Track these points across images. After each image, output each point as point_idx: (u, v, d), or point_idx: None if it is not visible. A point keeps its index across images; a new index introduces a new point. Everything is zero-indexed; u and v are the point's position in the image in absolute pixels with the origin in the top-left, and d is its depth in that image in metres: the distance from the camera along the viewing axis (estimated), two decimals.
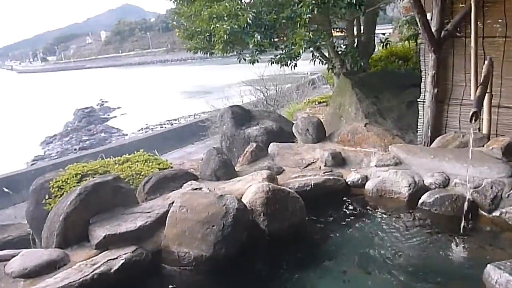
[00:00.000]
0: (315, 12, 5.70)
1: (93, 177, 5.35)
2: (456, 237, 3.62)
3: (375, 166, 4.75)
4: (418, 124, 5.82)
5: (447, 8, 5.26)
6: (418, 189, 4.24)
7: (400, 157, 4.76)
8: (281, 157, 5.22)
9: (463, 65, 5.31)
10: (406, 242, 3.63)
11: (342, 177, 4.67)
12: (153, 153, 7.09)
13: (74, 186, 5.28)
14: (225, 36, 5.93)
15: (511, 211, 3.71)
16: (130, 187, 4.13)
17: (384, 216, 4.18)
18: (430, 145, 5.31)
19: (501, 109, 5.12)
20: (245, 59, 6.68)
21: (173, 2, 8.00)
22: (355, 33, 7.59)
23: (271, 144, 5.53)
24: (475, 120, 3.51)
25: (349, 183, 4.61)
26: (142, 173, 5.38)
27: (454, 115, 5.49)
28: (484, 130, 4.82)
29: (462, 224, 3.66)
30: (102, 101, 46.25)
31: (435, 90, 5.39)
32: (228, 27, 5.84)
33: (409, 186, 4.26)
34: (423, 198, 4.12)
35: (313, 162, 5.07)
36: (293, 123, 7.37)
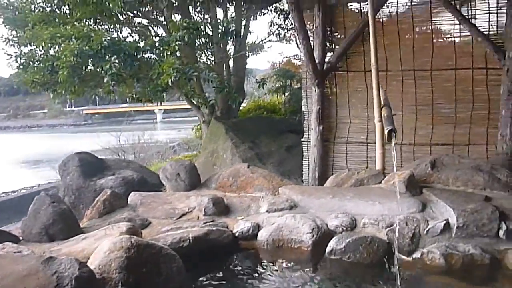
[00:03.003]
0: (186, 39, 4.87)
1: None
2: None
3: (267, 211, 3.84)
4: (303, 166, 5.22)
5: (327, 41, 4.96)
6: (323, 235, 3.41)
7: (294, 199, 3.96)
8: (145, 208, 3.98)
9: (347, 101, 4.96)
10: None
11: (227, 227, 3.63)
12: None
13: None
14: (72, 58, 4.67)
15: (432, 250, 3.09)
16: None
17: (285, 272, 3.23)
18: None
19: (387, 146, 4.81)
20: (97, 95, 5.42)
21: (4, 26, 6.43)
22: (225, 76, 6.98)
23: (132, 194, 4.28)
24: (395, 137, 2.90)
25: (237, 234, 3.57)
26: None
27: (341, 155, 5.03)
28: (378, 166, 4.36)
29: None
30: None
31: (321, 127, 4.89)
32: (77, 47, 4.61)
33: (311, 232, 3.41)
34: (331, 244, 3.29)
35: (188, 212, 3.94)
36: (157, 174, 6.25)
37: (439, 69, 4.53)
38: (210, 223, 3.62)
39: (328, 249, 3.30)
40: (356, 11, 4.95)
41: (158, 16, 7.00)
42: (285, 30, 8.06)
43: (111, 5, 5.86)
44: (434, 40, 4.58)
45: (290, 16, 7.43)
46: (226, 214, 3.92)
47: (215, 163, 6.25)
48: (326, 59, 4.90)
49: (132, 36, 6.78)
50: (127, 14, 6.95)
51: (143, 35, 6.83)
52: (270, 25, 8.08)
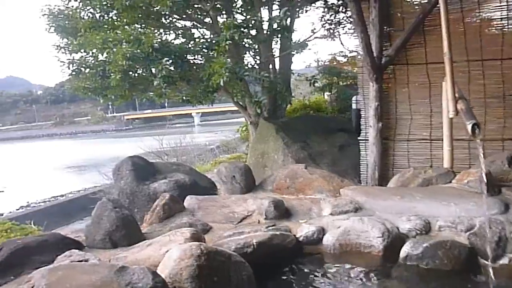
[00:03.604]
0: (236, 38, 4.75)
1: None
2: None
3: (330, 214, 3.65)
4: (361, 165, 4.97)
5: (386, 33, 4.70)
6: (395, 239, 3.18)
7: (359, 201, 3.75)
8: (204, 212, 3.88)
9: (407, 96, 4.68)
10: None
11: (290, 231, 3.46)
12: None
13: None
14: (124, 62, 4.65)
15: None
16: None
17: (356, 278, 3.02)
18: None
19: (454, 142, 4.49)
20: (148, 98, 5.40)
21: (56, 34, 6.54)
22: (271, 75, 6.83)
23: (188, 197, 4.19)
24: (479, 131, 2.64)
25: (300, 238, 3.40)
26: None
27: (402, 153, 4.75)
28: (446, 164, 4.07)
29: None
30: None
31: (380, 124, 4.63)
32: (129, 50, 4.58)
33: (382, 236, 3.18)
34: (406, 249, 3.06)
35: (248, 216, 3.80)
36: (207, 177, 6.16)
37: (511, 58, 4.16)
38: (272, 227, 3.46)
39: (402, 254, 3.07)
40: (415, 0, 4.67)
41: (203, 17, 6.94)
42: (334, 26, 7.79)
43: (158, 8, 5.88)
44: (505, 28, 4.22)
45: (340, 10, 7.19)
46: (287, 218, 3.76)
47: (265, 165, 6.11)
48: (384, 53, 4.63)
49: (179, 39, 6.74)
50: (172, 17, 6.95)
51: (187, 37, 6.78)
52: (319, 21, 7.85)
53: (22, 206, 29.65)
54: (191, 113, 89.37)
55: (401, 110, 4.72)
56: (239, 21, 4.95)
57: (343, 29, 7.92)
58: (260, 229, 3.40)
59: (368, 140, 4.79)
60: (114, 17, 6.05)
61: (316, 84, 7.27)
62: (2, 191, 35.79)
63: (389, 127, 4.75)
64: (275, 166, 5.87)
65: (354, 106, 7.06)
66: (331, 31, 7.80)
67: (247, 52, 7.49)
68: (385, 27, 4.69)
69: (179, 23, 7.48)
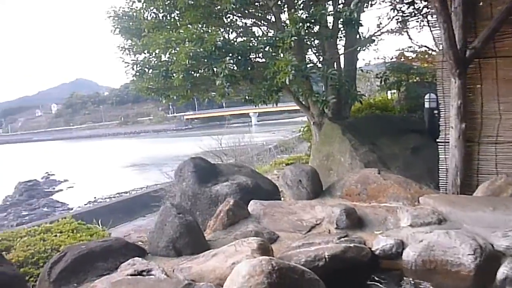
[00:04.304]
0: (302, 33, 4.48)
1: None
2: None
3: (410, 225, 3.28)
4: (440, 170, 4.51)
5: (470, 23, 4.21)
6: (489, 257, 2.77)
7: (442, 211, 3.35)
8: (270, 219, 3.64)
9: (496, 92, 4.16)
10: None
11: (365, 244, 3.14)
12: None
13: None
14: (187, 61, 4.53)
15: None
16: (15, 274, 2.36)
17: None
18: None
19: None
20: (209, 98, 5.26)
21: (121, 35, 6.62)
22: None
23: (252, 202, 3.97)
24: None
25: (377, 252, 3.07)
26: (62, 248, 3.58)
27: (488, 157, 4.23)
28: None
29: None
30: (48, 174, 43.14)
31: (463, 125, 4.15)
32: (192, 49, 4.46)
33: (474, 253, 2.78)
34: (504, 270, 2.64)
35: (317, 224, 3.53)
36: (270, 180, 5.95)
37: None
38: (345, 238, 3.16)
39: (499, 276, 2.66)
40: None
41: (265, 14, 6.73)
42: (405, 18, 7.24)
43: (220, 7, 5.75)
44: None
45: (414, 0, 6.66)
46: (360, 228, 3.44)
47: (331, 168, 5.77)
48: (468, 45, 4.15)
49: (241, 37, 6.58)
50: (233, 15, 6.80)
51: (248, 35, 6.60)
52: (386, 14, 7.34)
53: (90, 201, 31.35)
54: (248, 113, 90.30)
55: (488, 109, 4.21)
56: (309, 14, 4.66)
57: (413, 22, 7.35)
58: (332, 240, 3.11)
59: (448, 142, 4.33)
60: (177, 17, 6.01)
61: (387, 81, 6.79)
62: (72, 187, 38.10)
63: (473, 128, 4.26)
64: (341, 169, 5.53)
65: (427, 105, 6.52)
66: (401, 24, 7.26)
67: (310, 49, 7.19)
68: (470, 17, 4.20)
69: (240, 21, 7.34)
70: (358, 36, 6.90)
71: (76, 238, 4.05)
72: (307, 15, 4.96)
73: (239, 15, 6.93)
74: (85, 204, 30.28)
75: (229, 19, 6.93)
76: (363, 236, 3.28)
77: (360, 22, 4.90)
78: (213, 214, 4.94)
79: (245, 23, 7.47)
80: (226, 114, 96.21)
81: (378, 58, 9.91)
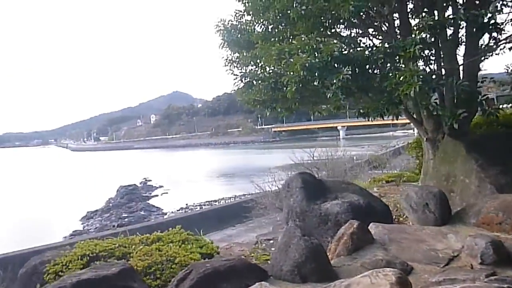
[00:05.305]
0: (429, 41, 4.06)
1: (106, 261, 3.60)
2: None
3: None
4: None
5: None
6: None
7: None
8: (397, 246, 3.26)
9: None
10: None
11: None
12: (194, 232, 5.33)
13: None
14: (301, 72, 4.35)
15: None
16: None
17: None
18: None
19: None
20: (319, 112, 5.01)
21: (228, 49, 6.69)
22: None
23: (373, 225, 3.62)
24: None
25: None
26: (177, 261, 3.56)
27: None
28: None
29: None
30: (146, 180, 46.15)
31: None
32: (308, 60, 4.27)
33: None
34: None
35: (454, 256, 3.07)
36: (380, 199, 5.54)
37: None
38: (494, 277, 2.69)
39: None
40: None
41: (378, 23, 6.35)
42: None
43: (331, 16, 5.52)
44: None
45: None
46: (510, 265, 2.92)
47: (452, 189, 5.18)
48: None
49: (347, 48, 6.27)
50: (341, 24, 6.52)
51: (352, 46, 6.27)
52: None
53: (182, 207, 32.78)
54: (336, 127, 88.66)
55: None
56: (438, 19, 4.23)
57: None
58: (478, 277, 2.66)
59: None
60: (288, 28, 5.88)
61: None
62: (166, 193, 40.30)
63: None
64: (466, 192, 4.92)
65: None
66: None
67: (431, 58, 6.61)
68: None
69: (345, 32, 7.05)
70: (482, 42, 6.20)
71: (187, 249, 4.03)
72: (431, 22, 4.50)
73: (345, 25, 6.64)
74: (177, 210, 31.77)
75: (333, 30, 6.67)
76: None
77: (499, 26, 4.33)
78: (323, 234, 4.67)
79: (350, 33, 7.15)
80: (314, 127, 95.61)
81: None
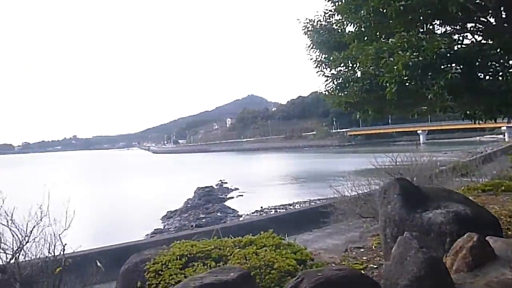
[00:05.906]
0: None
1: (204, 263, 3.63)
2: None
3: None
4: None
5: None
6: None
7: None
8: None
9: None
10: None
11: None
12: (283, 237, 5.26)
13: (175, 274, 3.60)
14: (403, 72, 4.07)
15: None
16: None
17: None
18: None
19: None
20: (419, 113, 4.67)
21: (317, 51, 6.52)
22: None
23: (491, 240, 3.26)
24: None
25: None
26: (275, 266, 3.48)
27: None
28: None
29: None
30: (222, 182, 47.30)
31: None
32: (411, 59, 3.99)
33: None
34: None
35: None
36: (486, 209, 5.08)
37: None
38: None
39: None
40: None
41: (482, 17, 5.83)
42: None
43: (432, 11, 5.15)
44: None
45: None
46: None
47: None
48: None
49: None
50: (437, 20, 6.08)
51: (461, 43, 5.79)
52: None
53: (257, 210, 33.04)
54: (416, 131, 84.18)
55: None
56: None
57: None
58: None
59: None
60: (382, 26, 5.59)
61: None
62: (241, 195, 40.96)
63: None
64: None
65: None
66: None
67: None
68: None
69: (438, 29, 6.56)
70: None
71: (283, 254, 3.94)
72: None
73: (442, 21, 6.17)
74: (252, 213, 32.06)
75: (427, 28, 6.24)
76: None
77: None
78: (427, 246, 4.34)
79: (445, 30, 6.65)
80: (392, 131, 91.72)
81: None
